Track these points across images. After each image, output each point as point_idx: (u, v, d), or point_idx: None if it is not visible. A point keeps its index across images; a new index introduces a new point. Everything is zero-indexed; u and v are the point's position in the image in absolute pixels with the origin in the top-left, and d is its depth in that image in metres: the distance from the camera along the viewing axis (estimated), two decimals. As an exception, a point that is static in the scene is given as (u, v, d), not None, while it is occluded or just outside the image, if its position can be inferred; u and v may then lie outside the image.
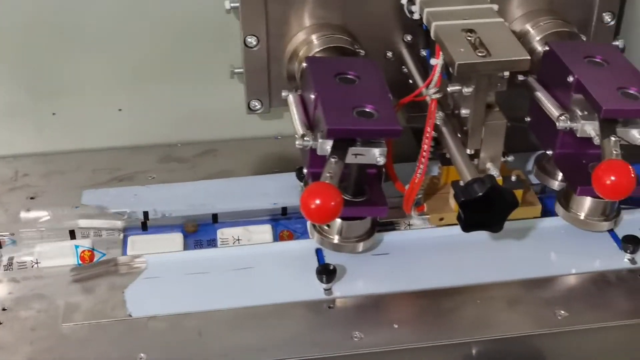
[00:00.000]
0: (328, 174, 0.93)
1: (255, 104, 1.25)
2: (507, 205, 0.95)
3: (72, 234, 1.12)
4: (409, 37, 1.23)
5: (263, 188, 1.19)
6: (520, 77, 1.16)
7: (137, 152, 1.29)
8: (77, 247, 1.09)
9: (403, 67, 1.24)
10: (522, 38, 1.23)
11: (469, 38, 1.02)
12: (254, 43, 1.20)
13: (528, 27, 1.23)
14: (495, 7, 1.09)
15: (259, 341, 0.96)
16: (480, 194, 0.93)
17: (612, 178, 0.93)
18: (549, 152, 1.12)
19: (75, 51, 1.23)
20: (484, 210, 0.95)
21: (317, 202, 0.90)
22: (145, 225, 1.14)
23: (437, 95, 1.03)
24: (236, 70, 1.23)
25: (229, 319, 0.99)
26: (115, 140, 1.30)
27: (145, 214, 1.14)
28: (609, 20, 1.26)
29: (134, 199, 1.17)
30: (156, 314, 0.99)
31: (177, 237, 1.13)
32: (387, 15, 1.21)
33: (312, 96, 1.03)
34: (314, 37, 1.19)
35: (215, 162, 1.28)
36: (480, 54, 0.98)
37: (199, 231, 1.15)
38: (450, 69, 0.99)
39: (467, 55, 0.98)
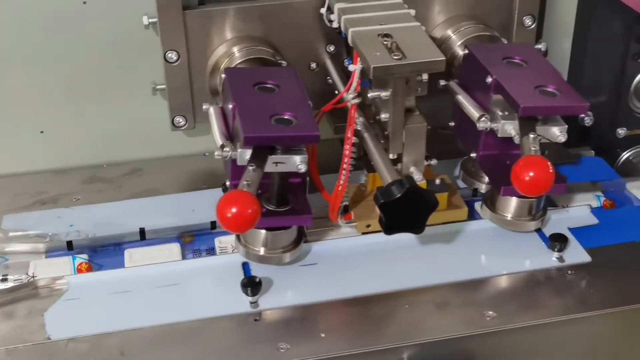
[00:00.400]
0: (245, 182, 0.92)
1: (180, 120, 1.23)
2: (427, 206, 0.95)
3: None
4: (332, 48, 1.23)
5: (190, 204, 1.17)
6: (442, 82, 1.16)
7: (60, 174, 1.26)
8: (74, 258, 1.08)
9: (328, 77, 1.23)
10: (444, 44, 1.23)
11: (385, 42, 1.01)
12: (175, 58, 1.18)
13: (449, 32, 1.23)
14: (413, 12, 1.10)
15: (183, 357, 0.94)
16: (399, 195, 0.92)
17: (531, 174, 0.93)
18: (473, 155, 1.12)
19: (-7, 72, 1.21)
20: (405, 212, 0.94)
21: (234, 210, 0.88)
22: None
23: (356, 101, 1.03)
24: (158, 87, 1.22)
25: (152, 337, 0.96)
26: (37, 164, 1.27)
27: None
28: (530, 23, 1.27)
29: (58, 221, 1.15)
30: (76, 336, 0.96)
31: (174, 247, 1.10)
32: (309, 27, 1.21)
33: (231, 106, 1.01)
34: (235, 50, 1.18)
35: (141, 181, 1.25)
36: (395, 57, 0.98)
37: (196, 241, 1.13)
38: (367, 73, 0.99)
39: (383, 58, 0.98)
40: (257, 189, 0.93)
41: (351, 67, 1.04)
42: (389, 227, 0.95)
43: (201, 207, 1.16)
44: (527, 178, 0.93)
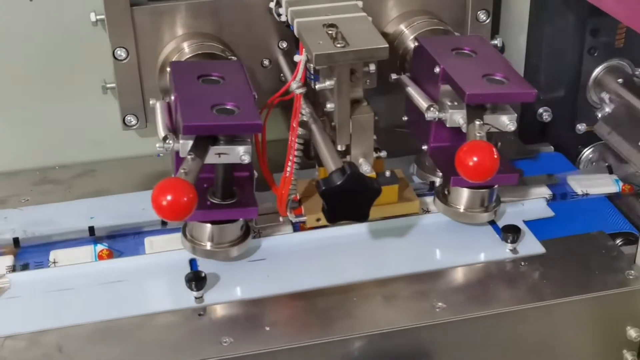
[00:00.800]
0: (182, 170, 0.90)
1: (131, 120, 1.21)
2: (370, 192, 0.93)
3: None
4: (284, 44, 1.21)
5: (141, 204, 1.15)
6: (394, 76, 1.15)
7: (10, 177, 1.24)
8: (95, 244, 1.07)
9: (281, 74, 1.22)
10: (397, 39, 1.22)
11: (330, 32, 1.00)
12: (124, 56, 1.17)
13: (402, 27, 1.22)
14: (360, 3, 1.09)
15: (123, 353, 0.91)
16: (339, 182, 0.90)
17: (475, 159, 0.91)
18: (424, 147, 1.10)
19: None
20: (348, 199, 0.92)
21: (169, 197, 0.86)
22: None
23: (301, 90, 1.01)
24: (108, 85, 1.20)
25: (92, 333, 0.94)
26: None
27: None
28: (485, 18, 1.26)
29: (4, 222, 1.12)
30: (14, 333, 0.93)
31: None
32: (261, 23, 1.19)
33: (173, 98, 1.00)
34: (184, 45, 1.16)
35: (92, 183, 1.23)
36: (338, 45, 0.97)
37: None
38: (310, 62, 0.98)
39: (325, 46, 0.97)
40: (195, 178, 0.91)
41: (296, 58, 1.02)
42: (332, 215, 0.93)
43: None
44: (471, 163, 0.91)
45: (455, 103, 1.04)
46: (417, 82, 1.11)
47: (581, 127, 1.31)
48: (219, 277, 1.01)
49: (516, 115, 1.03)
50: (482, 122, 0.98)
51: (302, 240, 1.07)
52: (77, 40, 1.20)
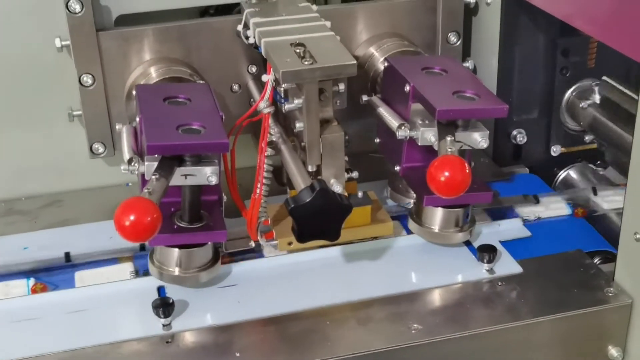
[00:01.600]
0: (146, 190, 0.87)
1: (98, 148, 1.19)
2: (341, 209, 0.91)
3: None
4: (253, 69, 1.20)
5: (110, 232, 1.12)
6: (365, 98, 1.13)
7: (-25, 209, 1.21)
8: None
9: (251, 99, 1.20)
10: (367, 62, 1.21)
11: (297, 51, 0.99)
12: (90, 82, 1.15)
13: (372, 50, 1.21)
14: (328, 23, 1.07)
15: (86, 382, 0.88)
16: (309, 199, 0.88)
17: (446, 173, 0.89)
18: (397, 168, 1.08)
19: None
20: (318, 217, 0.90)
21: (132, 217, 0.83)
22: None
23: (269, 110, 0.99)
24: (75, 113, 1.18)
25: (54, 363, 0.90)
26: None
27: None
28: (455, 40, 1.25)
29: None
30: (-27, 366, 0.90)
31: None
32: (229, 47, 1.18)
33: (138, 120, 0.98)
34: (152, 70, 1.15)
35: (59, 213, 1.20)
36: (306, 63, 0.95)
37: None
38: (278, 81, 0.96)
39: (293, 64, 0.95)
40: (160, 198, 0.88)
41: (264, 77, 1.01)
42: (302, 234, 0.91)
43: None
44: (442, 178, 0.89)
45: (427, 121, 1.03)
46: (388, 103, 1.10)
47: (556, 149, 1.31)
48: (188, 303, 0.98)
49: (488, 132, 1.02)
50: (453, 138, 0.96)
51: (273, 265, 1.05)
52: (42, 66, 1.17)
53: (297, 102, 0.98)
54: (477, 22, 1.28)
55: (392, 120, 1.05)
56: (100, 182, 1.26)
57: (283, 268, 1.04)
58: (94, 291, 1.01)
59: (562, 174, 1.33)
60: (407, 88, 1.04)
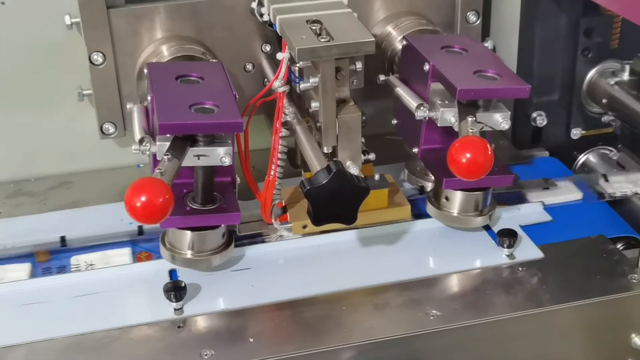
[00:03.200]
0: (158, 170, 0.85)
1: (109, 128, 1.16)
2: (358, 191, 0.88)
3: None
4: (267, 47, 1.17)
5: (118, 214, 1.09)
6: (382, 77, 1.10)
7: (-17, 189, 1.19)
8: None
9: (265, 79, 1.17)
10: (385, 40, 1.18)
11: (313, 28, 0.96)
12: (101, 60, 1.12)
13: (390, 28, 1.18)
14: (345, 0, 1.04)
15: (96, 367, 0.86)
16: (325, 181, 0.85)
17: (467, 155, 0.86)
18: (415, 150, 1.05)
19: None
20: (334, 200, 0.87)
21: (143, 198, 0.80)
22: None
23: (284, 89, 0.96)
24: (85, 92, 1.15)
25: (63, 347, 0.88)
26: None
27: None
28: (474, 20, 1.22)
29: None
30: (-20, 349, 0.88)
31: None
32: (243, 25, 1.15)
33: (150, 99, 0.95)
34: (163, 48, 1.12)
35: (69, 195, 1.18)
36: (322, 40, 0.92)
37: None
38: (294, 59, 0.93)
39: (309, 41, 0.92)
40: (172, 179, 0.85)
41: (279, 55, 0.98)
42: (318, 217, 0.88)
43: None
44: (463, 160, 0.86)
45: (447, 102, 1.00)
46: (407, 83, 1.07)
47: (576, 132, 1.27)
48: (200, 287, 0.96)
49: (509, 113, 0.99)
50: (474, 119, 0.93)
51: (289, 248, 1.02)
52: (52, 44, 1.15)
53: (313, 81, 0.95)
54: (497, 0, 1.25)
55: (411, 100, 1.02)
56: (111, 163, 1.24)
57: (297, 252, 1.02)
58: (104, 274, 0.99)
59: (582, 158, 1.30)
60: (427, 67, 1.01)
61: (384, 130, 1.17)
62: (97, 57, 1.12)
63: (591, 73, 1.24)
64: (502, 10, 1.24)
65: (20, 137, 1.21)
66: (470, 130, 0.90)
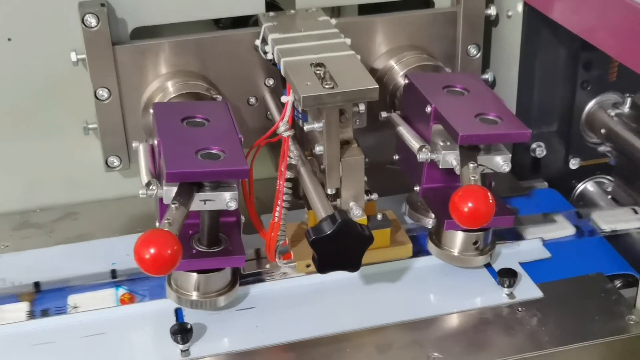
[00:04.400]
0: (166, 221, 0.86)
1: (114, 161, 1.18)
2: (362, 241, 0.89)
3: None
4: (271, 82, 1.18)
5: (123, 249, 1.11)
6: (384, 114, 1.12)
7: (-11, 220, 1.20)
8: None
9: (268, 112, 1.19)
10: (387, 74, 1.20)
11: (318, 72, 0.97)
12: (106, 96, 1.13)
13: (392, 63, 1.19)
14: (348, 41, 1.06)
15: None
16: (330, 231, 0.87)
17: (469, 204, 0.88)
18: (417, 188, 1.07)
19: None
20: (339, 248, 0.89)
21: (152, 251, 0.82)
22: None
23: (289, 133, 0.98)
24: (90, 126, 1.16)
25: (72, 391, 0.90)
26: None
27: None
28: (475, 53, 1.23)
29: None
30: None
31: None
32: (246, 60, 1.16)
33: (156, 142, 0.96)
34: (168, 84, 1.13)
35: (74, 226, 1.19)
36: (327, 86, 0.94)
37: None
38: (298, 104, 0.94)
39: (313, 88, 0.93)
40: (180, 228, 0.87)
41: (283, 99, 0.99)
42: (323, 265, 0.90)
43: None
44: (465, 209, 0.88)
45: (448, 143, 1.01)
46: (408, 120, 1.08)
47: (574, 162, 1.29)
48: (206, 327, 0.97)
49: (510, 155, 1.00)
50: (476, 165, 0.95)
51: (291, 287, 1.04)
52: (58, 79, 1.16)
53: (317, 125, 0.96)
54: (497, 33, 1.26)
55: (413, 142, 1.03)
56: (116, 193, 1.25)
57: (301, 290, 1.03)
58: (109, 314, 1.00)
59: (579, 187, 1.32)
60: (429, 109, 1.02)
61: (384, 159, 1.19)
62: (103, 93, 1.13)
63: (590, 104, 1.26)
64: (502, 43, 1.25)
65: (25, 167, 1.22)
66: (472, 178, 0.92)
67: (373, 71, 1.20)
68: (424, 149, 1.01)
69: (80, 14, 1.08)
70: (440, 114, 1.00)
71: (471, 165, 0.94)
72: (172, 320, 0.98)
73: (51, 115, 1.19)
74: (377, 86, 0.94)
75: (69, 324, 0.99)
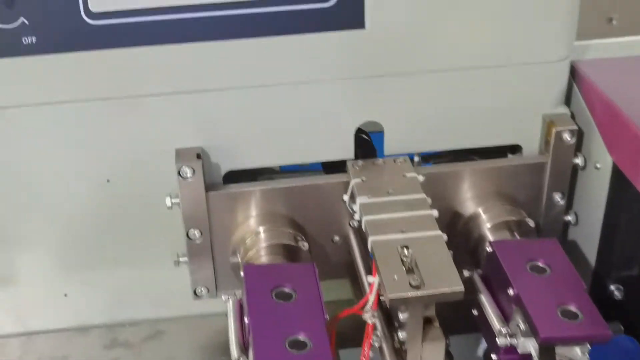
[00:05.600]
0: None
1: (202, 290, 1.23)
2: None
3: None
4: (355, 223, 1.21)
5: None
6: (466, 273, 1.14)
7: (81, 335, 1.27)
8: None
9: (350, 250, 1.22)
10: (471, 222, 1.21)
11: (404, 258, 1.00)
12: (197, 236, 1.18)
13: (479, 210, 1.21)
14: (435, 213, 1.08)
15: None
16: None
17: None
18: (494, 357, 1.09)
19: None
20: None
21: None
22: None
23: (373, 320, 1.01)
24: (181, 260, 1.21)
25: None
26: (58, 324, 1.29)
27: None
28: (559, 199, 1.24)
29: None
30: None
31: None
32: (333, 205, 1.19)
33: (246, 321, 1.01)
34: (259, 230, 1.18)
35: (162, 347, 1.26)
36: (413, 284, 0.96)
37: None
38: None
39: (400, 285, 0.96)
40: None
41: (369, 279, 1.02)
42: None
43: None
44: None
45: (529, 328, 1.03)
46: (489, 288, 1.10)
47: (655, 306, 1.29)
48: None
49: (589, 346, 1.02)
50: (554, 361, 0.97)
51: None
52: (151, 217, 1.21)
53: (402, 316, 0.99)
54: (583, 180, 1.26)
55: (494, 321, 1.05)
56: (203, 310, 1.31)
57: None
58: None
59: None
60: (511, 292, 1.04)
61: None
62: (194, 233, 1.18)
63: (675, 249, 1.25)
64: (587, 191, 1.25)
65: (114, 283, 1.29)
66: (550, 379, 0.94)
67: (457, 216, 1.22)
68: (503, 334, 1.04)
69: (177, 167, 1.12)
70: (522, 302, 1.02)
71: (550, 364, 0.96)
72: None
73: (144, 245, 1.24)
74: (463, 289, 0.96)
75: None
